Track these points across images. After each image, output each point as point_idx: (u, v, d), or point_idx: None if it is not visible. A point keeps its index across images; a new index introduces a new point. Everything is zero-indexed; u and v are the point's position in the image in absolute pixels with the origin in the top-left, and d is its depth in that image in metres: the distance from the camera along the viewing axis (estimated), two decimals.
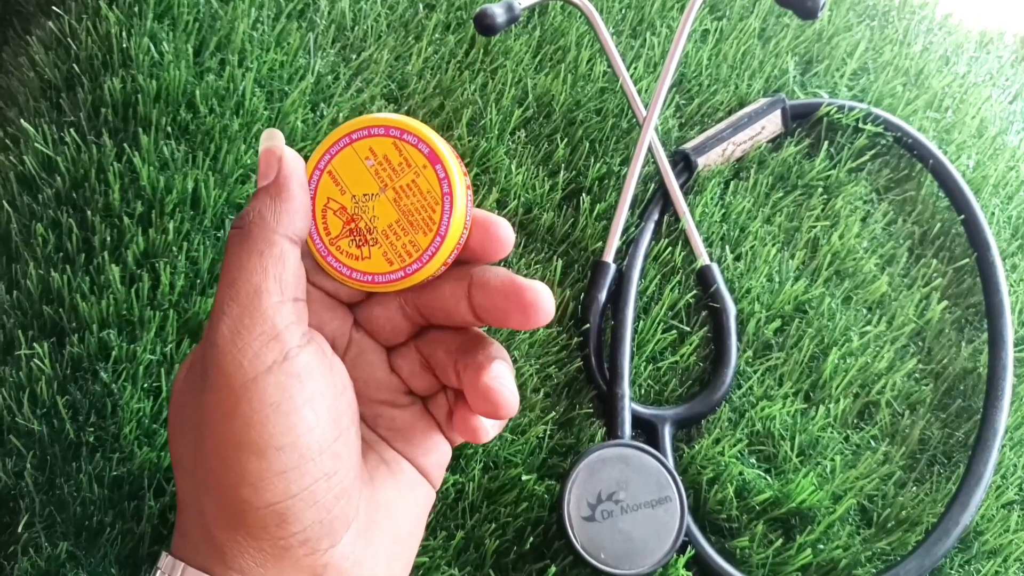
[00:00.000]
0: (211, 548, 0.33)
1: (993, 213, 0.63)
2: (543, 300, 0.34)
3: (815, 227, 0.60)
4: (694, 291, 0.56)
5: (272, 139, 0.34)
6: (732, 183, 0.61)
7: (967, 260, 0.60)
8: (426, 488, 0.38)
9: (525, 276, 0.53)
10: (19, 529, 0.42)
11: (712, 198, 0.59)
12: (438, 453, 0.39)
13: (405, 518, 0.37)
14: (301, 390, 0.32)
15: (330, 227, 0.35)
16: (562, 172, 0.58)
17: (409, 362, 0.38)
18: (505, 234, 0.36)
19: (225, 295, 0.32)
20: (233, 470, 0.31)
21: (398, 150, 0.35)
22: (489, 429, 0.37)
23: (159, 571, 0.33)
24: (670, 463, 0.49)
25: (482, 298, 0.35)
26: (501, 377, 0.34)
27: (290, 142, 0.55)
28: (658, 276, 0.56)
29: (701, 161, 0.60)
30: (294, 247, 0.33)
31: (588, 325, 0.54)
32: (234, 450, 0.31)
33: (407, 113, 0.59)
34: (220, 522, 0.32)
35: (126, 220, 0.49)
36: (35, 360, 0.45)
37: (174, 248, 0.49)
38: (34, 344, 0.46)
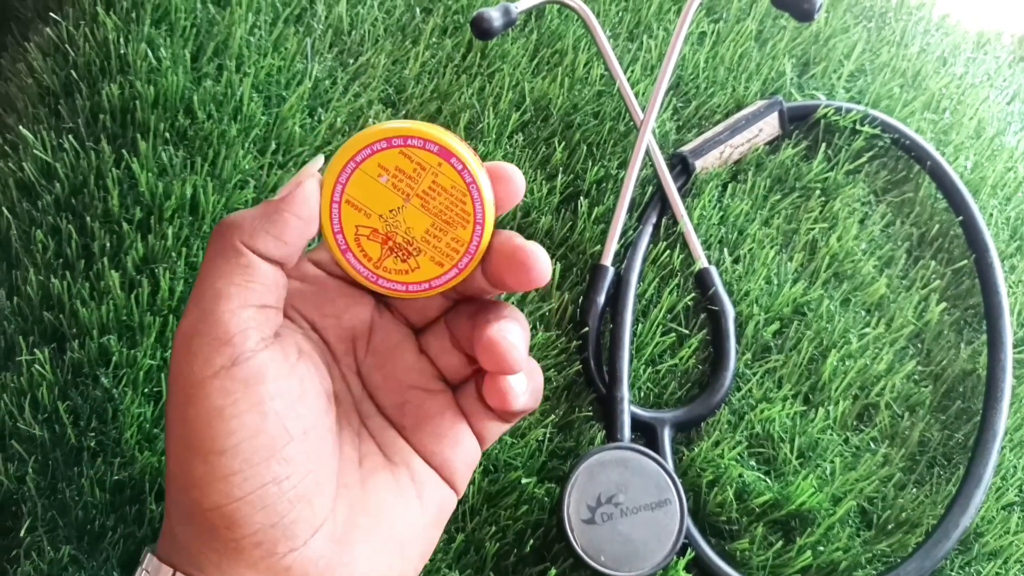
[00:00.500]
0: (176, 545, 0.33)
1: (991, 214, 0.63)
2: (537, 260, 0.34)
3: (813, 229, 0.60)
4: (693, 294, 0.56)
5: (310, 165, 0.34)
6: (730, 186, 0.61)
7: (966, 261, 0.61)
8: (441, 492, 0.37)
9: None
10: (21, 533, 0.42)
11: (710, 201, 0.59)
12: (464, 449, 0.38)
13: (402, 524, 0.36)
14: (247, 395, 0.32)
15: (369, 252, 0.35)
16: (560, 175, 0.59)
17: (439, 339, 0.38)
18: (519, 181, 0.36)
19: (191, 295, 0.33)
20: (184, 471, 0.32)
21: (407, 157, 0.34)
22: (518, 393, 0.36)
23: (140, 567, 0.34)
24: (670, 466, 0.49)
25: (489, 261, 0.35)
26: (506, 331, 0.34)
27: (287, 147, 0.55)
28: (657, 279, 0.57)
29: (699, 164, 0.60)
30: (267, 264, 0.33)
31: (587, 328, 0.54)
32: (184, 451, 0.32)
33: (405, 117, 0.59)
34: (180, 520, 0.33)
35: (125, 226, 0.49)
36: (36, 366, 0.46)
37: (173, 254, 0.50)
38: (35, 350, 0.46)
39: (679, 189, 0.59)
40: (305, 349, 0.35)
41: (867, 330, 0.57)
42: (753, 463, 0.52)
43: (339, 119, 0.57)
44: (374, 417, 0.38)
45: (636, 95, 0.61)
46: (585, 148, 0.60)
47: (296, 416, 0.33)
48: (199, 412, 0.31)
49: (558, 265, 0.56)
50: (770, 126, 0.62)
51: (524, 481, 0.48)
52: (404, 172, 0.34)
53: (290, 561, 0.33)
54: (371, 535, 0.35)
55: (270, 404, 0.32)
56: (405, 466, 0.37)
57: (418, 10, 0.64)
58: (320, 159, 0.35)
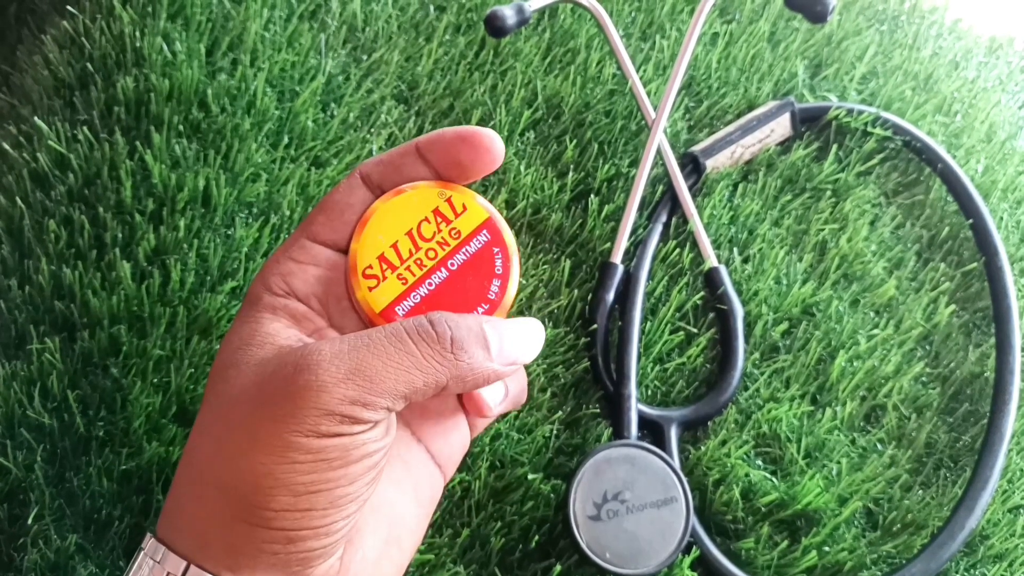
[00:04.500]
0: (197, 539, 0.33)
1: (1001, 218, 0.63)
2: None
3: (823, 230, 0.60)
4: (702, 293, 0.56)
5: (536, 334, 0.38)
6: (741, 186, 0.61)
7: (975, 264, 0.60)
8: (432, 481, 0.38)
9: (532, 276, 0.53)
10: (29, 521, 0.43)
11: (720, 200, 0.59)
12: (460, 433, 0.39)
13: (400, 518, 0.37)
14: (358, 452, 0.32)
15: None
16: (571, 173, 0.59)
17: None
18: (492, 145, 0.37)
19: (369, 367, 0.32)
20: (266, 494, 0.32)
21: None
22: (492, 404, 0.38)
23: (142, 551, 0.34)
24: (676, 464, 0.49)
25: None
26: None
27: (300, 141, 0.55)
28: (666, 277, 0.57)
29: (710, 163, 0.60)
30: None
31: (595, 326, 0.54)
32: (272, 480, 0.31)
33: (417, 114, 0.60)
34: (225, 524, 0.33)
35: (137, 217, 0.50)
36: (46, 355, 0.46)
37: (185, 245, 0.50)
38: (45, 339, 0.46)
39: (690, 188, 0.59)
40: None
41: (876, 331, 0.57)
42: (760, 462, 0.52)
43: (352, 114, 0.58)
44: None
45: (648, 94, 0.61)
46: (596, 146, 0.60)
47: (384, 464, 0.34)
48: (310, 459, 0.31)
49: (567, 262, 0.56)
50: (782, 127, 0.62)
51: (530, 477, 0.49)
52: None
53: (313, 570, 0.33)
54: (377, 530, 0.36)
55: (373, 459, 0.33)
56: (400, 458, 0.37)
57: (432, 7, 0.64)
58: (541, 333, 0.37)
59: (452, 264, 0.36)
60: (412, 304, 0.36)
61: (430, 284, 0.36)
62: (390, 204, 0.36)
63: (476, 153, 0.36)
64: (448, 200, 0.36)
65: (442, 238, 0.36)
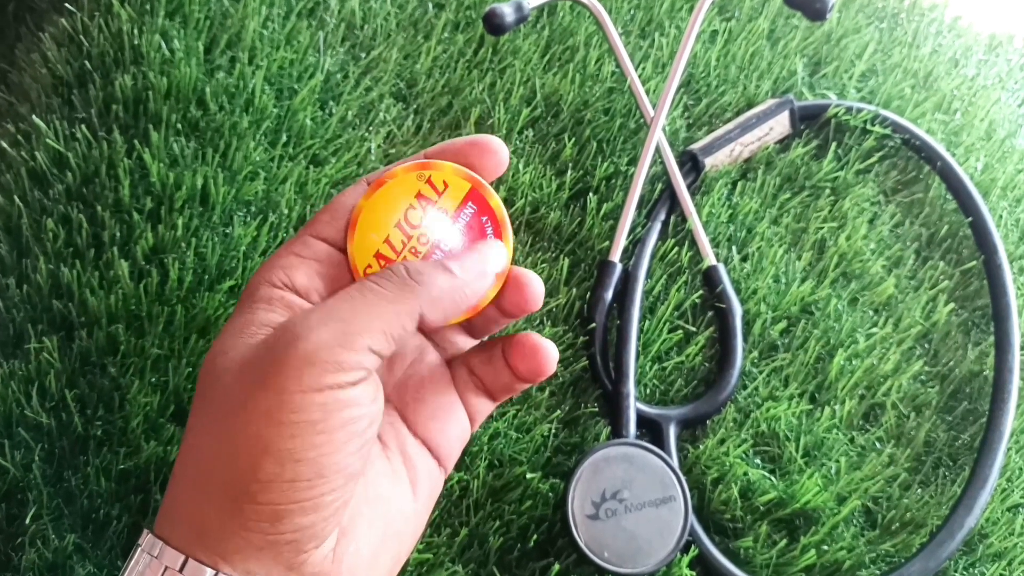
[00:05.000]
0: (191, 527, 0.33)
1: (1001, 216, 0.63)
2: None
3: (822, 228, 0.60)
4: (700, 291, 0.56)
5: (494, 247, 0.37)
6: (739, 184, 0.61)
7: (974, 263, 0.60)
8: (431, 475, 0.38)
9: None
10: (27, 521, 0.42)
11: (719, 199, 0.59)
12: (459, 426, 0.39)
13: (398, 512, 0.37)
14: (340, 416, 0.32)
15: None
16: (569, 171, 0.59)
17: None
18: (500, 149, 0.38)
19: (341, 311, 0.33)
20: (251, 466, 0.32)
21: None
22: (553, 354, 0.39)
23: (140, 548, 0.34)
24: (675, 463, 0.49)
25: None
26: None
27: (299, 139, 0.55)
28: (664, 276, 0.57)
29: (708, 161, 0.60)
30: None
31: (594, 324, 0.54)
32: (258, 450, 0.32)
33: (415, 112, 0.59)
34: (213, 504, 0.33)
35: (135, 216, 0.50)
36: (44, 354, 0.46)
37: (183, 244, 0.50)
38: (43, 338, 0.46)
39: (688, 186, 0.59)
40: None
41: (874, 330, 0.57)
42: (758, 461, 0.52)
43: (350, 112, 0.58)
44: None
45: (647, 92, 0.61)
46: (595, 144, 0.60)
47: (370, 438, 0.34)
48: (293, 420, 0.32)
49: (566, 261, 0.56)
50: (781, 125, 0.62)
51: (529, 476, 0.49)
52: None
53: (307, 556, 0.33)
54: (372, 524, 0.36)
55: (357, 426, 0.33)
56: (399, 450, 0.38)
57: (430, 5, 0.64)
58: (500, 247, 0.37)
59: (445, 245, 0.37)
60: None
61: None
62: (374, 199, 0.36)
63: (484, 156, 0.38)
64: (428, 181, 0.36)
65: (430, 221, 0.36)
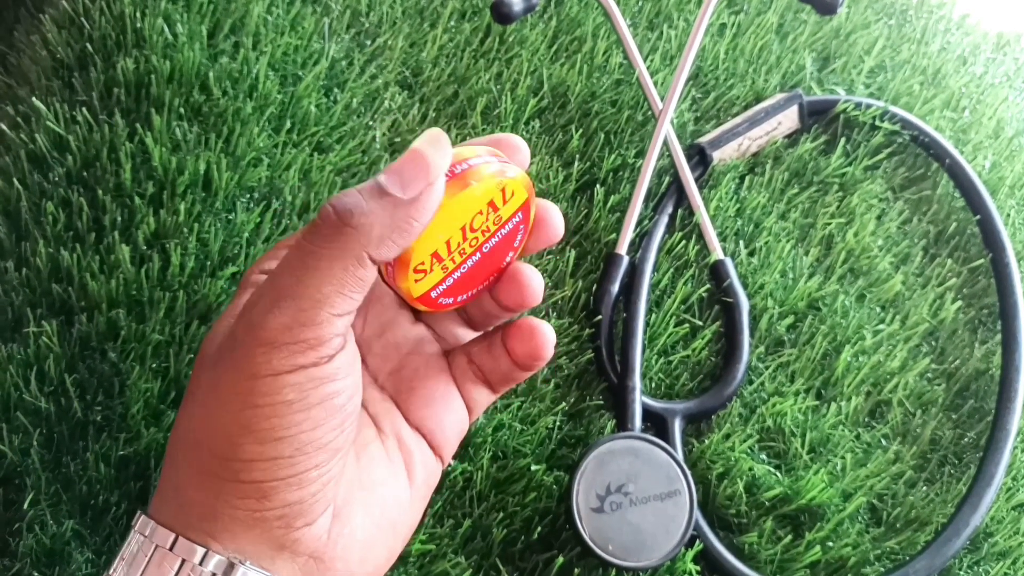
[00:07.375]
0: (185, 508, 0.33)
1: (1009, 214, 0.63)
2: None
3: (830, 224, 0.60)
4: (707, 285, 0.56)
5: (437, 145, 0.32)
6: (747, 178, 0.60)
7: (982, 260, 0.60)
8: (428, 465, 0.38)
9: (537, 267, 0.53)
10: (25, 506, 0.42)
11: (727, 193, 0.59)
12: (455, 416, 0.39)
13: (393, 500, 0.36)
14: (319, 392, 0.32)
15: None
16: (576, 163, 0.58)
17: None
18: (522, 145, 0.37)
19: (286, 287, 0.32)
20: (232, 446, 0.32)
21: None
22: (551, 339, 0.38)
23: (133, 529, 0.34)
24: (680, 457, 0.49)
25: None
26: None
27: (302, 126, 0.55)
28: (671, 269, 0.56)
29: (716, 155, 0.59)
30: (376, 270, 0.33)
31: (600, 317, 0.53)
32: (238, 431, 0.32)
33: (421, 100, 0.59)
34: (199, 485, 0.33)
35: (137, 200, 0.49)
36: (43, 338, 0.45)
37: (185, 229, 0.49)
38: (43, 322, 0.46)
39: (696, 180, 0.58)
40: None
41: (881, 326, 0.57)
42: (764, 457, 0.52)
43: (355, 100, 0.57)
44: (369, 388, 0.38)
45: (655, 85, 0.61)
46: (602, 136, 0.60)
47: (350, 410, 0.34)
48: (269, 402, 0.31)
49: (572, 253, 0.55)
50: (789, 119, 0.62)
51: (533, 468, 0.48)
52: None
53: (299, 534, 0.33)
54: (367, 508, 0.35)
55: (336, 401, 0.33)
56: (395, 437, 0.37)
57: None
58: (440, 136, 0.33)
59: (486, 248, 0.36)
60: (446, 287, 0.36)
61: (464, 268, 0.36)
62: (456, 200, 0.34)
63: (511, 154, 0.37)
64: (503, 190, 0.35)
65: (487, 226, 0.35)
